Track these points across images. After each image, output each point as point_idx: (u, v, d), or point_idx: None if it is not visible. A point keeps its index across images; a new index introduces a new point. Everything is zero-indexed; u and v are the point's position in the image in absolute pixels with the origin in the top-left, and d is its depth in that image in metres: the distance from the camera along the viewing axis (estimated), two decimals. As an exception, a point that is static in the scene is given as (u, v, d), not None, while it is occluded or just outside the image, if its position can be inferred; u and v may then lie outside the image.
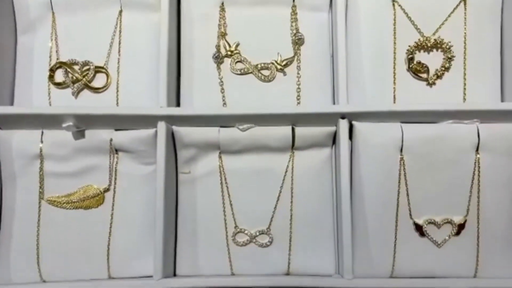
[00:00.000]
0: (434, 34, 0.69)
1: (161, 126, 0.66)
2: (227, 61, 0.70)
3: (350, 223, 0.64)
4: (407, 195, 0.67)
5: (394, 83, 0.69)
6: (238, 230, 0.69)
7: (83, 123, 0.66)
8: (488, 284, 0.62)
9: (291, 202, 0.69)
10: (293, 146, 0.69)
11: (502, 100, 0.69)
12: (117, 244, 0.68)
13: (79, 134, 0.68)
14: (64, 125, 0.65)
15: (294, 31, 0.70)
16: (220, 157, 0.70)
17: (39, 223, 0.68)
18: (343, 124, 0.65)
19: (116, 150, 0.69)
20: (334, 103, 0.69)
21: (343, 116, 0.66)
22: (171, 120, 0.67)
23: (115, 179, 0.69)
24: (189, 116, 0.66)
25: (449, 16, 0.69)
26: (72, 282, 0.65)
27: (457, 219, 0.66)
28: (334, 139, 0.70)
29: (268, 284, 0.62)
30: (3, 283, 0.65)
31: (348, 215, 0.64)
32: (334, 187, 0.70)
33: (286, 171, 0.69)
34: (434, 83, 0.69)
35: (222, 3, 0.71)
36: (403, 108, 0.65)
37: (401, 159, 0.67)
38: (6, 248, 0.67)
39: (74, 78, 0.69)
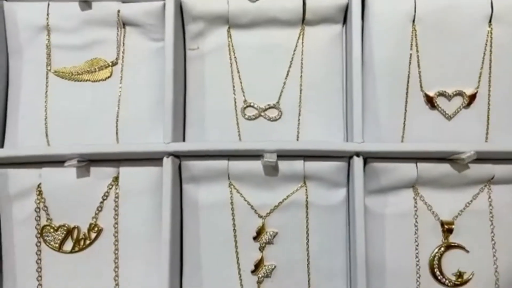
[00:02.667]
0: None
1: (170, -4, 0.65)
2: None
3: (361, 92, 0.63)
4: (418, 66, 0.66)
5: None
6: (247, 104, 0.68)
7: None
8: (497, 147, 0.62)
9: (301, 77, 0.68)
10: (303, 21, 0.68)
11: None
12: (125, 116, 0.67)
13: (86, 5, 0.67)
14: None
15: None
16: (228, 31, 0.69)
17: (47, 94, 0.67)
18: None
19: (124, 24, 0.68)
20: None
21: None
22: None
23: (123, 53, 0.68)
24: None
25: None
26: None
27: (468, 91, 0.66)
28: (345, 16, 0.69)
29: (277, 147, 0.62)
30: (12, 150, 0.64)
31: (359, 81, 0.63)
32: (344, 64, 0.69)
33: (296, 46, 0.68)
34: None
35: None
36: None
37: (413, 30, 0.66)
38: (14, 118, 0.67)
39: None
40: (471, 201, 0.65)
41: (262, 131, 0.68)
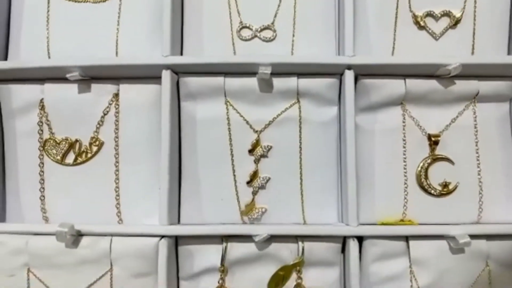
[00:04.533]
0: None
1: None
2: None
3: (352, 9, 0.66)
4: (407, -14, 0.69)
5: None
6: (242, 25, 0.70)
7: None
8: (482, 60, 0.65)
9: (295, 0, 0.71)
10: None
11: None
12: (125, 34, 0.69)
13: None
14: None
15: None
16: (225, -45, 0.71)
17: (48, 14, 0.69)
18: None
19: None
20: None
21: None
22: None
23: (123, -25, 0.70)
24: None
25: None
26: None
27: (455, 12, 0.69)
28: None
29: (271, 61, 0.64)
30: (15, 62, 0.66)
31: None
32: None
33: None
34: None
35: None
36: None
37: (403, -49, 0.69)
38: (16, 36, 0.69)
39: None
40: (457, 117, 0.68)
41: (257, 51, 0.70)
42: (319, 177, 0.68)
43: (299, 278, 0.65)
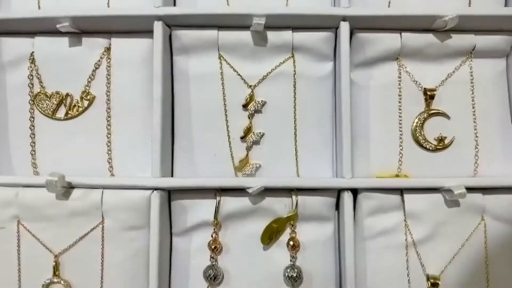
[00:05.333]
0: None
1: None
2: None
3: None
4: None
5: None
6: (236, -21, 0.69)
7: None
8: (479, 12, 0.64)
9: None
10: None
11: None
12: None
13: None
14: None
15: None
16: None
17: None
18: None
19: None
20: None
21: None
22: None
23: None
24: None
25: None
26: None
27: (452, -33, 0.68)
28: None
29: (266, 12, 0.63)
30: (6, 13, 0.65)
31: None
32: None
33: None
34: None
35: None
36: None
37: None
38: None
39: None
40: (453, 72, 0.68)
41: (251, 5, 0.69)
42: (314, 133, 0.68)
43: (293, 232, 0.65)
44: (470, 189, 0.63)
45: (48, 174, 0.59)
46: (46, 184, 0.58)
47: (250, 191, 0.61)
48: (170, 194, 0.66)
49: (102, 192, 0.62)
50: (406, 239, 0.64)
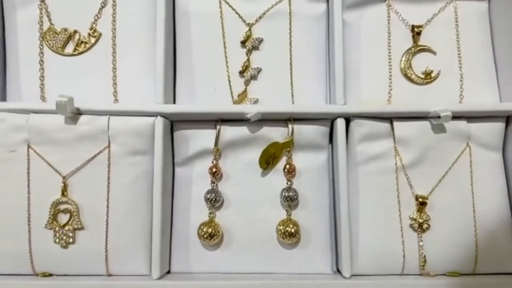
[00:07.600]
0: None
1: None
2: None
3: None
4: None
5: None
6: None
7: None
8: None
9: None
10: None
11: None
12: None
13: None
14: None
15: None
16: None
17: None
18: None
19: None
20: None
21: None
22: None
23: None
24: None
25: None
26: None
27: None
28: None
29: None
30: None
31: None
32: None
33: None
34: None
35: None
36: None
37: None
38: None
39: None
40: (439, 12, 0.72)
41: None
42: (309, 69, 0.72)
43: (289, 159, 0.68)
44: (455, 118, 0.67)
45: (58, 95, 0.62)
46: (56, 106, 0.61)
47: (248, 115, 0.65)
48: (173, 125, 0.69)
49: (109, 118, 0.65)
50: (396, 164, 0.67)
